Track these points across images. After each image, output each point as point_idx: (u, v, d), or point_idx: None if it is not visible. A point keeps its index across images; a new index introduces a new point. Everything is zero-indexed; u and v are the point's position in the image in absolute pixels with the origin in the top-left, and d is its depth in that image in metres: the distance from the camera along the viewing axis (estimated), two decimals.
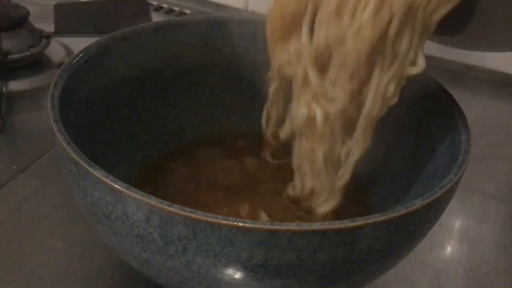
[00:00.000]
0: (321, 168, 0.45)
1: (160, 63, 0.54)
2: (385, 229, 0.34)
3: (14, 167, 0.57)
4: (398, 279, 0.49)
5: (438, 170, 0.44)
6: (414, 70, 0.40)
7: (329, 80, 0.42)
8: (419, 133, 0.49)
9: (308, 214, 0.48)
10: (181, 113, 0.57)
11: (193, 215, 0.32)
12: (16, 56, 0.70)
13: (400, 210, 0.34)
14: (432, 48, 0.78)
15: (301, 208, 0.49)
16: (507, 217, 0.58)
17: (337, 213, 0.46)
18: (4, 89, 0.67)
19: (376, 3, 0.38)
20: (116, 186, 0.33)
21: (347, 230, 0.32)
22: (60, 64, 0.72)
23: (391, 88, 0.40)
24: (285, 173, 0.50)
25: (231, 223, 0.31)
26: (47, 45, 0.74)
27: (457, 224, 0.56)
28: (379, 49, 0.39)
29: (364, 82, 0.41)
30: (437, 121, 0.47)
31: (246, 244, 0.32)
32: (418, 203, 0.35)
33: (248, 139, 0.56)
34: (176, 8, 0.98)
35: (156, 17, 0.88)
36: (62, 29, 0.76)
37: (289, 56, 0.44)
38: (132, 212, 0.33)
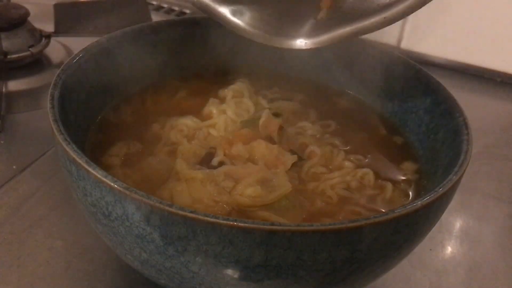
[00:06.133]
0: None
1: (160, 63, 0.54)
2: (385, 229, 0.34)
3: (14, 167, 0.57)
4: (398, 279, 0.49)
5: (438, 170, 0.44)
6: None
7: None
8: (419, 133, 0.49)
9: None
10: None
11: (193, 215, 0.32)
12: (16, 56, 0.70)
13: (400, 210, 0.34)
14: (433, 48, 0.77)
15: None
16: (507, 217, 0.58)
17: None
18: (4, 89, 0.67)
19: None
20: (116, 186, 0.33)
21: (347, 230, 0.32)
22: (60, 64, 0.72)
23: None
24: None
25: (231, 223, 0.31)
26: (47, 45, 0.74)
27: (457, 224, 0.56)
28: None
29: None
30: (437, 121, 0.47)
31: (246, 244, 0.32)
32: (418, 203, 0.34)
33: None
34: (176, 8, 0.98)
35: (156, 17, 0.88)
36: (62, 29, 0.76)
37: None
38: (132, 212, 0.33)
